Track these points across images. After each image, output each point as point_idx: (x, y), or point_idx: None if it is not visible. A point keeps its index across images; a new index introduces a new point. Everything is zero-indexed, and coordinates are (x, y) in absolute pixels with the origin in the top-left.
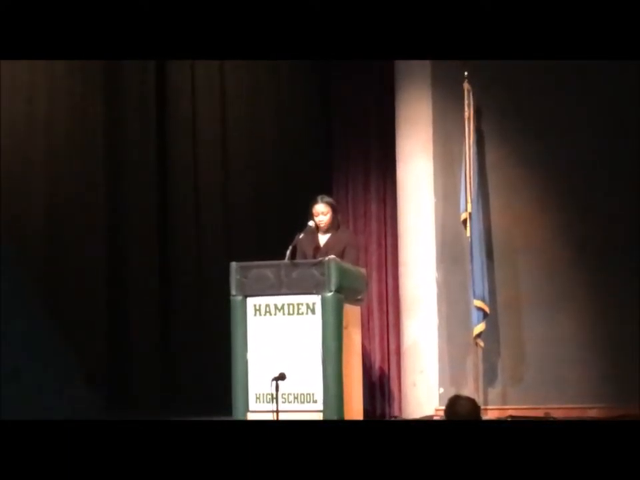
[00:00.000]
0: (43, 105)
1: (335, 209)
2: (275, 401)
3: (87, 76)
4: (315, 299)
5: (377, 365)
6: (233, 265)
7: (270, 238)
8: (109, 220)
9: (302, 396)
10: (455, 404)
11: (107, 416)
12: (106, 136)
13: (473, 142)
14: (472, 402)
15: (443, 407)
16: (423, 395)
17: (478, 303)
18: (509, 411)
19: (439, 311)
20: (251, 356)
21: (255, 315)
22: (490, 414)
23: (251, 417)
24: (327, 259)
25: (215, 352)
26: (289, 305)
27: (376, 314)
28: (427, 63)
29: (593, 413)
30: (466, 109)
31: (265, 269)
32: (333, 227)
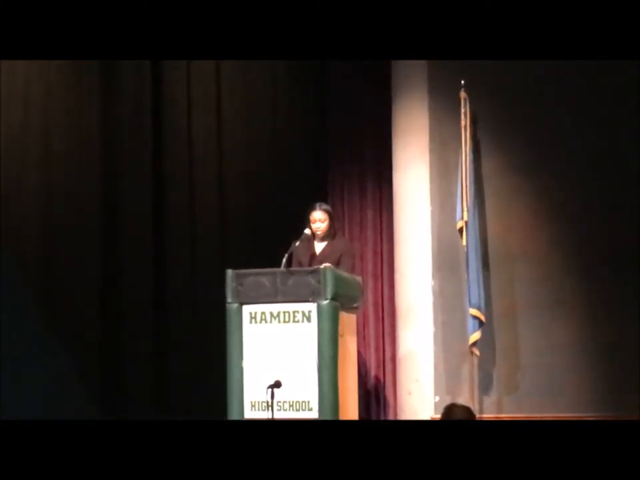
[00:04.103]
0: (38, 110)
1: (332, 217)
2: (270, 408)
3: (82, 80)
4: (311, 307)
5: (372, 373)
6: (229, 272)
7: (265, 245)
8: (104, 224)
9: (297, 404)
10: (450, 412)
11: (101, 418)
12: (102, 140)
13: (470, 150)
14: (467, 410)
15: (438, 415)
16: (418, 403)
17: (474, 311)
18: (504, 419)
19: (435, 319)
20: (247, 363)
21: (251, 322)
22: None
23: None
24: (322, 266)
25: (210, 359)
26: (284, 312)
27: (371, 322)
28: (424, 70)
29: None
30: (462, 117)
31: (261, 277)
32: (329, 234)
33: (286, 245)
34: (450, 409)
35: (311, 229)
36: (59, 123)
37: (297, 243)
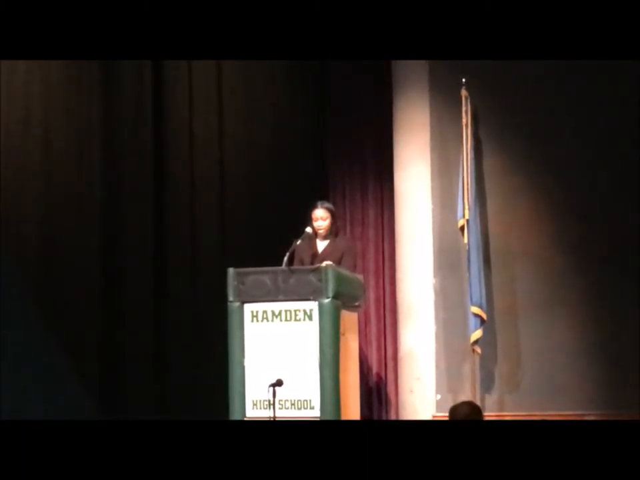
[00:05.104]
0: (38, 110)
1: (334, 215)
2: (272, 407)
3: (82, 79)
4: (312, 306)
5: (373, 371)
6: (230, 271)
7: (265, 245)
8: (105, 223)
9: (299, 402)
10: (455, 410)
11: (101, 418)
12: (102, 140)
13: (470, 148)
14: (473, 407)
15: (440, 414)
16: (420, 402)
17: (475, 309)
18: (506, 417)
19: (436, 317)
20: (248, 362)
21: (252, 321)
22: None
23: None
24: (324, 265)
25: (211, 358)
26: (286, 311)
27: (373, 320)
28: (425, 69)
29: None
30: (463, 115)
31: (262, 275)
32: (331, 232)
33: (286, 244)
34: (456, 407)
35: (312, 227)
36: (59, 122)
37: (299, 242)
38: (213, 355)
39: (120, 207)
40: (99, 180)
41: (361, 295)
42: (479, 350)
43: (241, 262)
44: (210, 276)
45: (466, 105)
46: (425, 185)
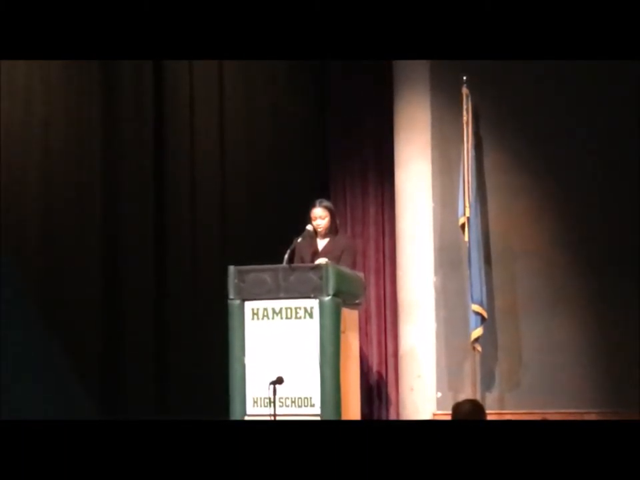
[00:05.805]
0: (39, 111)
1: (332, 213)
2: (272, 404)
3: (82, 79)
4: (313, 303)
5: (374, 369)
6: (231, 268)
7: (267, 242)
8: (105, 223)
9: (299, 400)
10: (458, 408)
11: (101, 418)
12: (102, 140)
13: (471, 146)
14: (476, 405)
15: (441, 412)
16: (421, 400)
17: (476, 307)
18: (507, 415)
19: (437, 315)
20: (249, 360)
21: (253, 318)
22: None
23: None
24: (324, 262)
25: (211, 357)
26: (286, 308)
27: (374, 318)
28: (426, 67)
29: (590, 418)
30: (464, 113)
31: (263, 273)
32: (331, 231)
33: (286, 244)
34: (458, 405)
35: (312, 225)
36: (59, 122)
37: (299, 240)
38: (213, 353)
39: (120, 207)
40: (99, 180)
41: (362, 293)
42: (479, 348)
43: (241, 262)
44: (210, 276)
45: (467, 103)
46: (425, 183)
